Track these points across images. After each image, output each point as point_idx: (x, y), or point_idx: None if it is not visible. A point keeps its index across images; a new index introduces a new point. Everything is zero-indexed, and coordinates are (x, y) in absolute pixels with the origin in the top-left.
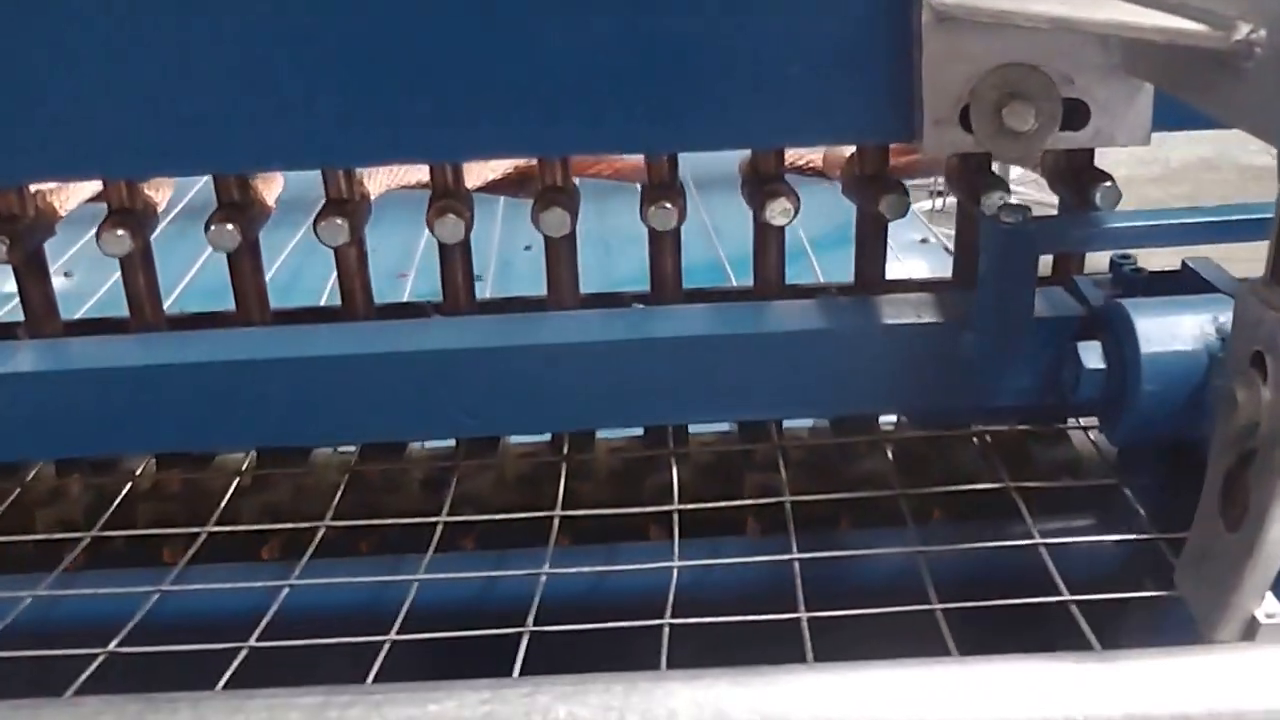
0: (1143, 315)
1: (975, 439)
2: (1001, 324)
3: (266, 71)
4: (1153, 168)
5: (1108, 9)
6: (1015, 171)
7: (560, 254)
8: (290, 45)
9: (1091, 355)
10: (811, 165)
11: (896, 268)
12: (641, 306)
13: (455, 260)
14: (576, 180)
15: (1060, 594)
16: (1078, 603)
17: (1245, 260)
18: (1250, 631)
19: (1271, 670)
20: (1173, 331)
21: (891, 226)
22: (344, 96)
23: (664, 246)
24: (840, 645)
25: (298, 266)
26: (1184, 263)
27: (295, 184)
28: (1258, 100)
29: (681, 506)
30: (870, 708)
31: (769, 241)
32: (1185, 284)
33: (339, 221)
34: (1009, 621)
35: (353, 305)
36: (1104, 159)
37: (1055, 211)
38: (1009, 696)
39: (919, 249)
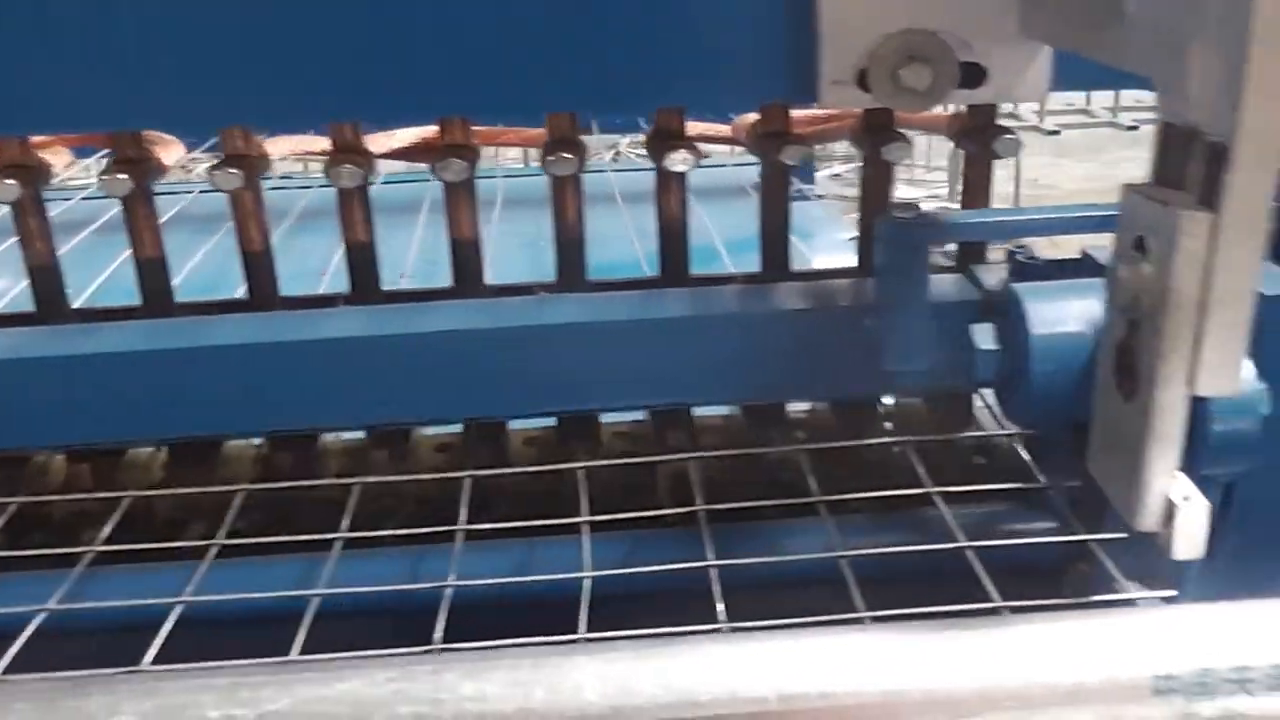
0: (1033, 299)
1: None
2: (899, 311)
3: (167, 32)
4: (1101, 183)
5: None
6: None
7: (459, 200)
8: (192, 5)
9: (984, 337)
10: (720, 135)
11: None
12: (546, 294)
13: (353, 206)
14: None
15: (965, 566)
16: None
17: None
18: (1169, 515)
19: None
20: (1062, 314)
21: (819, 226)
22: (245, 57)
23: (565, 191)
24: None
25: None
26: (1083, 251)
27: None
28: (1138, 38)
29: (592, 518)
30: (773, 677)
31: (670, 188)
32: (1084, 271)
33: (233, 171)
34: (922, 597)
35: (258, 273)
36: (1057, 173)
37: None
38: (911, 662)
39: (847, 247)
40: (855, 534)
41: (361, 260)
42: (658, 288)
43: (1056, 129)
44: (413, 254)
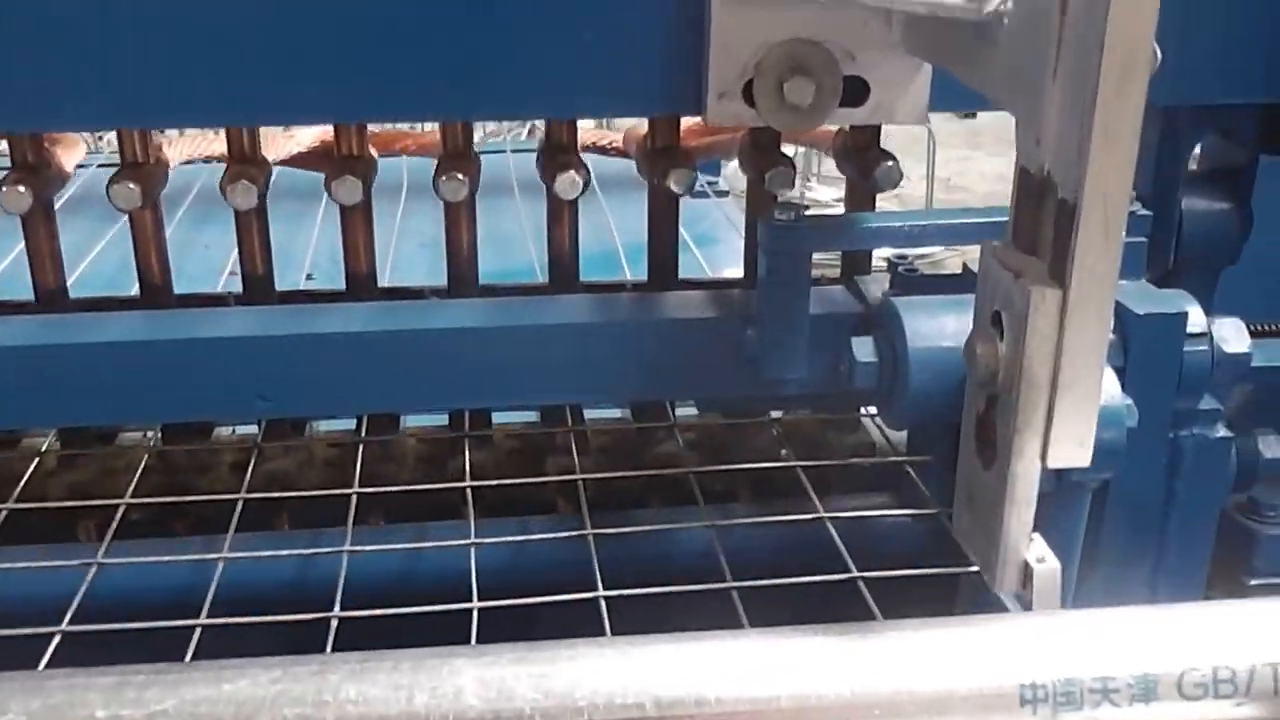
0: (911, 313)
1: (774, 429)
2: (780, 320)
3: (53, 31)
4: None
5: None
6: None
7: (356, 226)
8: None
9: (863, 349)
10: (614, 145)
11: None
12: (437, 299)
13: (252, 231)
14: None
15: (849, 569)
16: (867, 579)
17: None
18: (1026, 577)
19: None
20: (940, 328)
21: (722, 232)
22: (139, 56)
23: (458, 218)
24: (640, 622)
25: None
26: (964, 265)
27: None
28: (1004, 68)
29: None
30: (650, 684)
31: (561, 216)
32: (965, 285)
33: (131, 186)
34: (806, 600)
35: (151, 276)
36: (970, 169)
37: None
38: (784, 670)
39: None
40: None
41: (257, 275)
42: (548, 294)
43: (972, 111)
44: (314, 247)
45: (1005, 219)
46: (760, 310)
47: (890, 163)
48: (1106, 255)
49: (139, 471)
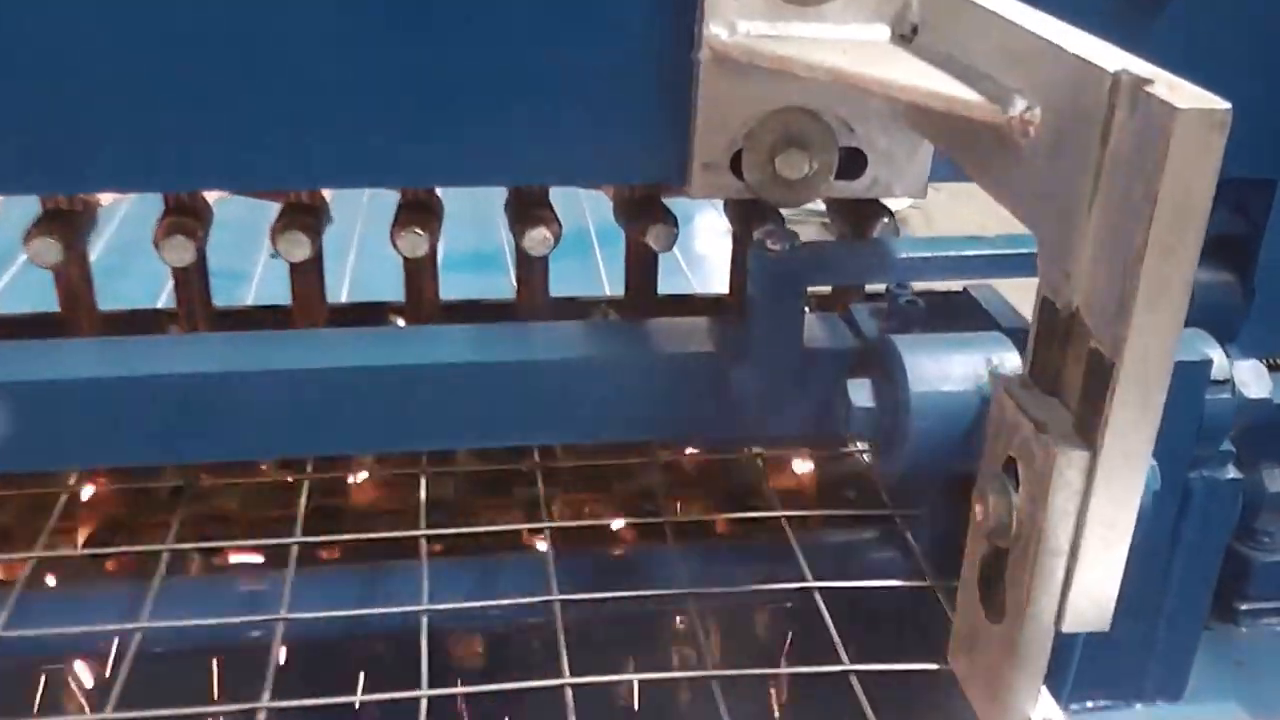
0: (914, 353)
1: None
2: (771, 356)
3: None
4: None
5: (890, 65)
6: None
7: (305, 270)
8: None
9: (860, 393)
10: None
11: (697, 254)
12: (400, 323)
13: (193, 280)
14: None
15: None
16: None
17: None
18: None
19: None
20: (944, 371)
21: (697, 213)
22: (76, 116)
23: (420, 265)
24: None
25: None
26: (965, 289)
27: None
28: (1029, 183)
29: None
30: None
31: (532, 266)
32: (963, 310)
33: (51, 240)
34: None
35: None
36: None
37: None
38: None
39: (725, 239)
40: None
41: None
42: (513, 314)
43: None
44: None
45: (1023, 252)
46: (749, 347)
47: (887, 219)
48: (1145, 421)
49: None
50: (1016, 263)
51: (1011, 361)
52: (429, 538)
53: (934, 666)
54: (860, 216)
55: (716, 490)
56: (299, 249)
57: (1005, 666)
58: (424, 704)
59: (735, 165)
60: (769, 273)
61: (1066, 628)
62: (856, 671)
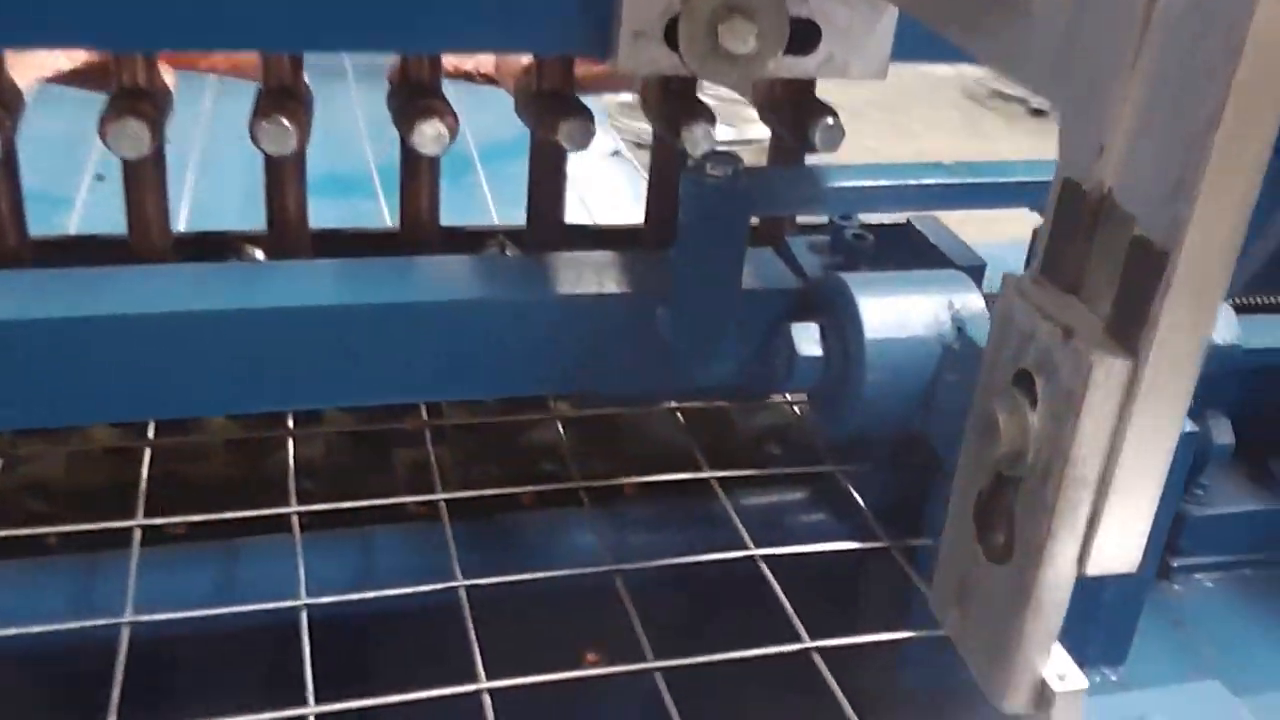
0: (869, 296)
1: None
2: (705, 297)
3: None
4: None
5: None
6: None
7: (144, 182)
8: None
9: (807, 340)
10: (483, 73)
11: (580, 184)
12: (257, 255)
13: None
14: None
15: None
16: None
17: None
18: (1044, 700)
19: None
20: (902, 316)
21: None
22: None
23: (284, 176)
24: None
25: None
26: (909, 221)
27: None
28: (1043, 45)
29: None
30: None
31: (419, 173)
32: (911, 245)
33: None
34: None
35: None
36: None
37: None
38: None
39: (609, 164)
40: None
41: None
42: (396, 245)
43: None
44: None
45: (994, 179)
46: (681, 287)
47: (830, 120)
48: (1199, 324)
49: None
50: (990, 192)
51: (974, 305)
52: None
53: (905, 635)
54: (800, 114)
55: (630, 450)
56: (131, 142)
57: (1012, 617)
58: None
59: (670, 36)
60: (707, 201)
61: (1091, 570)
62: (821, 649)
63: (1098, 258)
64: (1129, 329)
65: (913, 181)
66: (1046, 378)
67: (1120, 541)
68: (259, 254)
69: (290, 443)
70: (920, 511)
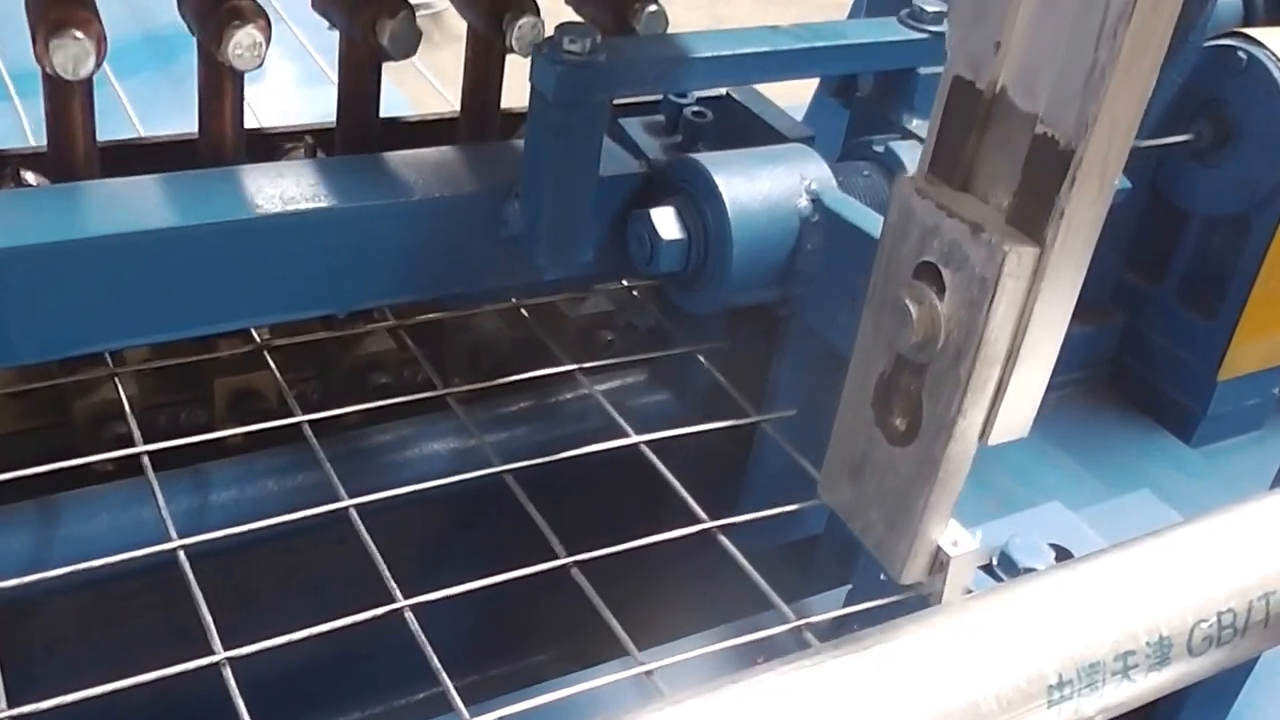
0: (726, 175)
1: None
2: (560, 189)
3: None
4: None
5: None
6: None
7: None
8: None
9: (667, 224)
10: None
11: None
12: (31, 181)
13: None
14: None
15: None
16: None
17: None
18: (939, 564)
19: None
20: (761, 193)
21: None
22: None
23: (69, 94)
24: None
25: None
26: (728, 93)
27: None
28: None
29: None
30: None
31: (221, 92)
32: (737, 120)
33: None
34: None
35: None
36: None
37: None
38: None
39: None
40: (494, 428)
41: None
42: (195, 156)
43: None
44: None
45: (854, 42)
46: (534, 180)
47: (654, 6)
48: (1098, 211)
49: None
50: (841, 54)
51: (824, 176)
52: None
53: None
54: (619, 6)
55: (479, 351)
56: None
57: (914, 493)
58: None
59: None
60: (566, 82)
61: (994, 439)
62: (723, 527)
63: (991, 155)
64: (1035, 220)
65: (775, 48)
66: (955, 269)
67: (1019, 410)
68: (31, 178)
69: (116, 382)
70: (767, 382)
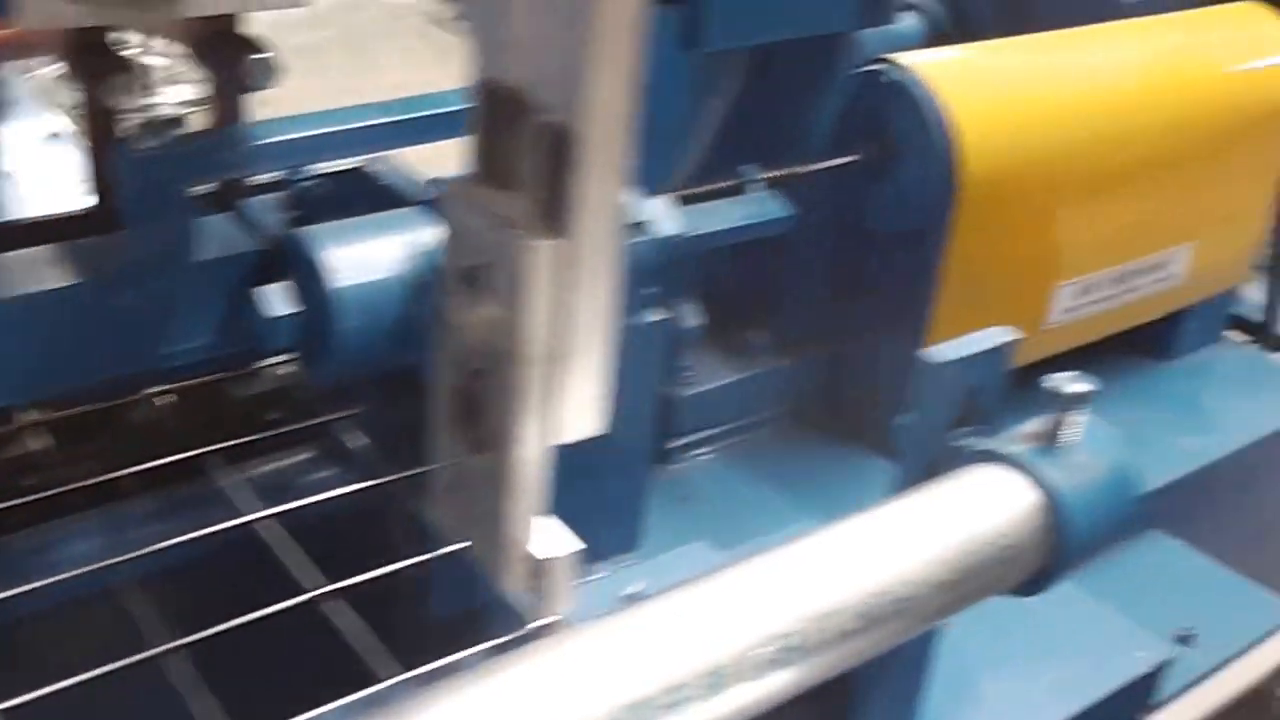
0: (329, 246)
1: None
2: (158, 276)
3: None
4: (298, 12)
5: None
6: None
7: None
8: None
9: (274, 301)
10: None
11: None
12: None
13: None
14: None
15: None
16: None
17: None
18: (539, 573)
19: None
20: (365, 260)
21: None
22: None
23: None
24: None
25: None
26: (359, 166)
27: None
28: None
29: None
30: None
31: None
32: (365, 189)
33: None
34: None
35: None
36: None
37: None
38: None
39: (49, 150)
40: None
41: None
42: None
43: None
44: None
45: (433, 110)
46: (132, 268)
47: (260, 55)
48: (613, 189)
49: None
50: (432, 125)
51: (435, 235)
52: None
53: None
54: (230, 54)
55: (123, 442)
56: None
57: (496, 501)
58: None
59: None
60: (144, 174)
61: (564, 439)
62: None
63: (522, 151)
64: (558, 211)
65: (354, 125)
66: (498, 269)
67: (584, 407)
68: None
69: None
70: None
